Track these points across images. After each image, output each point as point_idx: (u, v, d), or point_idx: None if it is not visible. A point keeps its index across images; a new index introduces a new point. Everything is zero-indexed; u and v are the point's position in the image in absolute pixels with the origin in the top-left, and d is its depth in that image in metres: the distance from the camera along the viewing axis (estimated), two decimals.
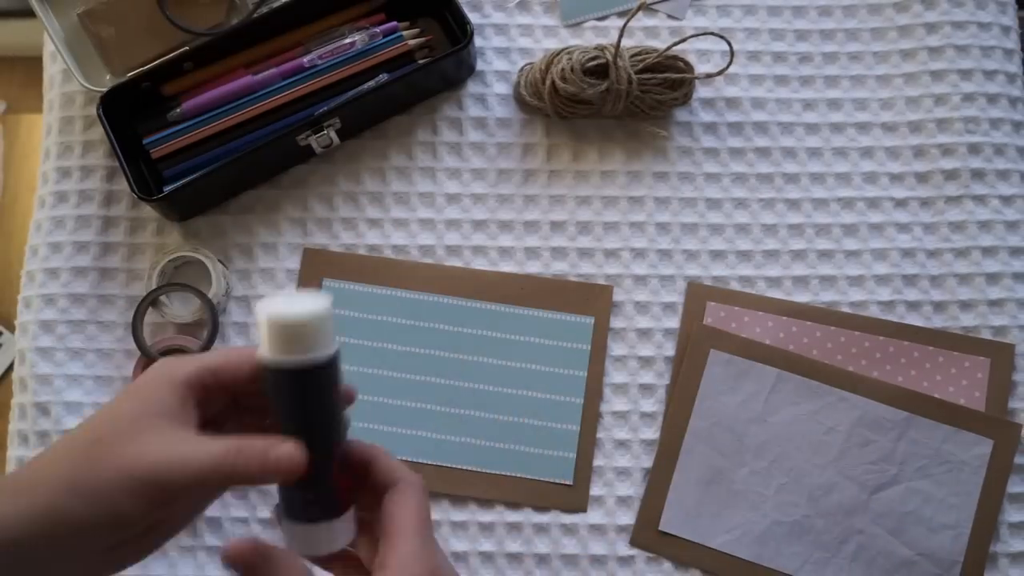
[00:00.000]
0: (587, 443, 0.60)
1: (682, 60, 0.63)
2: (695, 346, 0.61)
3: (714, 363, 0.60)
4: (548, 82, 0.62)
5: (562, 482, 0.60)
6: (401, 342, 0.61)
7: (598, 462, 0.60)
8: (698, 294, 0.62)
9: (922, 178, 0.65)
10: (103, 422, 0.36)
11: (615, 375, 0.61)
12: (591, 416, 0.61)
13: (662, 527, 0.58)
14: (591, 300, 0.62)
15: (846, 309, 0.62)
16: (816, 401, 0.60)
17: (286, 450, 0.35)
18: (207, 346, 0.59)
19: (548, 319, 0.61)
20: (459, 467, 0.60)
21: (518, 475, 0.60)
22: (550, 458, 0.60)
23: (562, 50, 0.63)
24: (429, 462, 0.60)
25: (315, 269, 0.63)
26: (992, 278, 0.63)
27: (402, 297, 0.62)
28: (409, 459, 0.60)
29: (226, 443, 0.35)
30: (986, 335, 0.61)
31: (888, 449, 0.59)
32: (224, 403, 0.38)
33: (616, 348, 0.62)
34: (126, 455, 0.34)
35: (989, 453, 0.58)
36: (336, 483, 0.37)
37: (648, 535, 0.59)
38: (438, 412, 0.60)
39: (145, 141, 0.62)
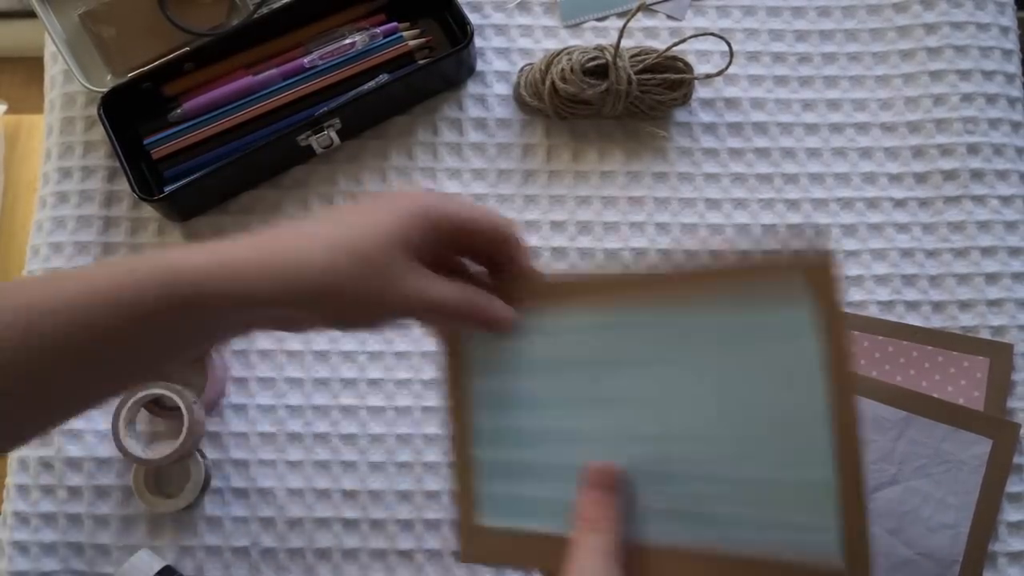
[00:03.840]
0: (852, 498, 0.36)
1: (681, 61, 0.63)
2: None
3: None
4: (548, 82, 0.62)
5: (830, 566, 0.36)
6: (564, 376, 0.43)
7: None
8: None
9: (921, 178, 0.65)
10: (371, 248, 0.40)
11: None
12: (849, 456, 0.36)
13: None
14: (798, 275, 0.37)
15: (845, 309, 0.62)
16: None
17: (502, 308, 0.43)
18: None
19: (738, 304, 0.39)
20: (683, 545, 0.40)
21: (761, 556, 0.38)
22: (798, 526, 0.37)
23: (562, 51, 0.63)
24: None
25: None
26: (991, 278, 0.63)
27: (552, 318, 0.43)
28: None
29: (462, 290, 0.41)
30: (985, 335, 0.62)
31: (887, 448, 0.59)
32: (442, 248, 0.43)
33: None
34: (386, 289, 0.40)
35: (988, 452, 0.59)
36: None
37: None
38: (640, 469, 0.41)
39: (146, 141, 0.63)
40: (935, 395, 0.60)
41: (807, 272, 0.37)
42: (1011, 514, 0.59)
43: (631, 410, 0.42)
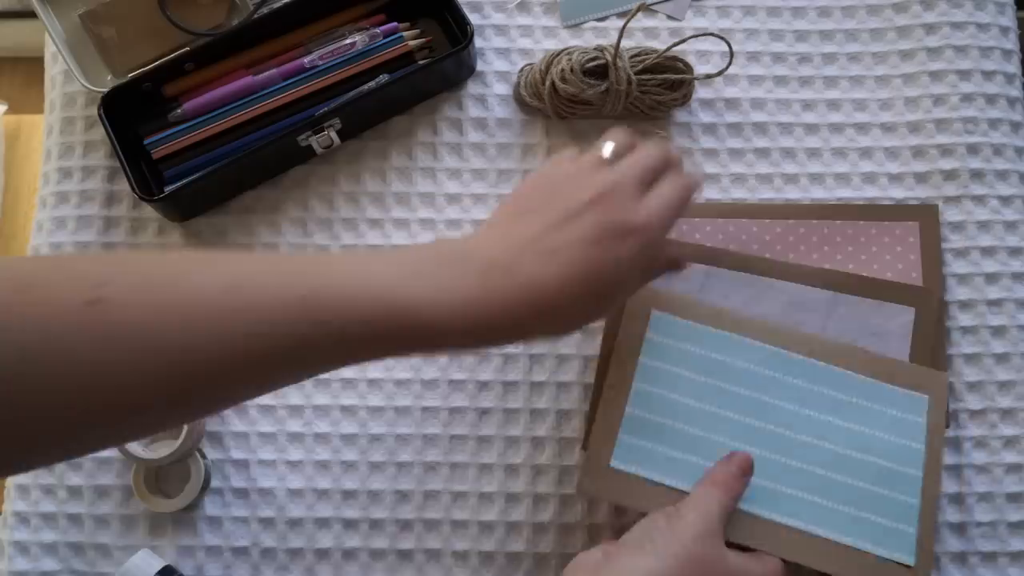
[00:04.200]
0: (928, 520, 0.55)
1: (681, 61, 0.63)
2: None
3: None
4: (548, 83, 0.62)
5: (901, 561, 0.54)
6: (728, 381, 0.58)
7: None
8: None
9: (921, 178, 0.65)
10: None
11: None
12: (931, 493, 0.55)
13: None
14: (924, 379, 0.58)
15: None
16: (746, 291, 0.61)
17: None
18: None
19: (877, 386, 0.58)
20: (783, 522, 0.55)
21: (846, 542, 0.55)
22: (887, 529, 0.55)
23: (562, 51, 0.63)
24: (748, 509, 0.55)
25: (643, 301, 0.59)
26: (991, 277, 0.63)
27: (731, 339, 0.59)
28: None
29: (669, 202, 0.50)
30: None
31: (819, 327, 0.60)
32: None
33: None
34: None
35: (912, 320, 0.60)
36: None
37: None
38: (761, 456, 0.56)
39: (146, 142, 0.63)
40: (875, 266, 0.62)
41: (934, 391, 0.58)
42: (1012, 514, 0.59)
43: (774, 422, 0.57)
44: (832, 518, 0.55)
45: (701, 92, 0.66)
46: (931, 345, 0.60)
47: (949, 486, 0.59)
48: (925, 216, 0.63)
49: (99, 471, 0.60)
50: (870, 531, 0.55)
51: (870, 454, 0.57)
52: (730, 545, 0.51)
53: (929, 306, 0.61)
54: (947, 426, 0.59)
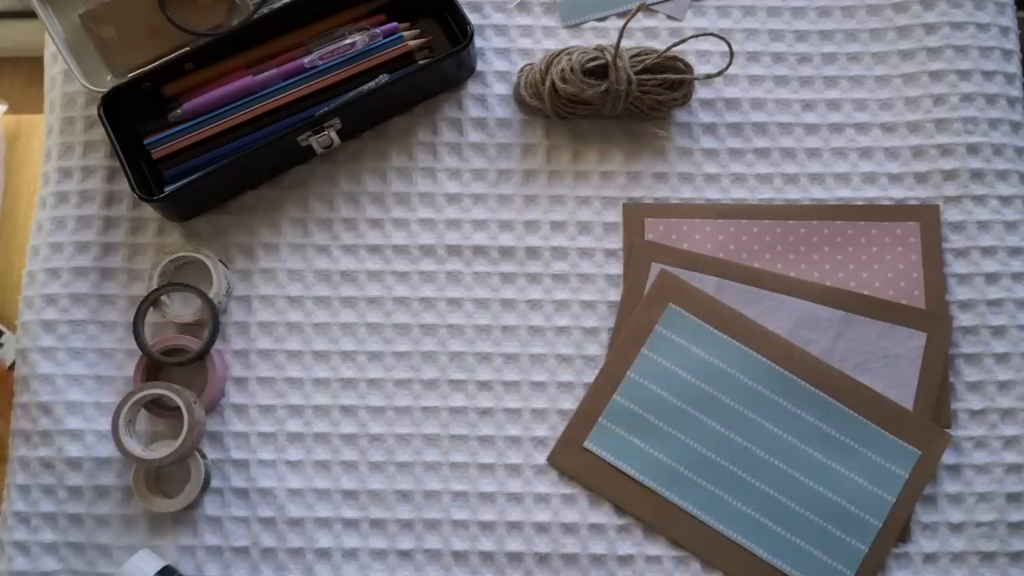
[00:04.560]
0: (870, 567, 0.57)
1: (681, 61, 0.63)
2: (636, 262, 0.62)
3: (655, 276, 0.62)
4: (548, 83, 0.62)
5: None
6: (720, 390, 0.59)
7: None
8: (634, 213, 0.64)
9: (921, 178, 0.65)
10: None
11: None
12: (884, 544, 0.58)
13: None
14: (925, 435, 0.59)
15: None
16: (756, 306, 0.61)
17: None
18: (208, 346, 0.59)
19: (871, 430, 0.59)
20: (727, 534, 0.58)
21: (784, 569, 0.57)
22: (825, 567, 0.57)
23: (562, 51, 0.63)
24: (699, 515, 0.58)
25: (665, 291, 0.61)
26: (991, 278, 0.63)
27: (737, 349, 0.60)
28: (681, 505, 0.58)
29: None
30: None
31: (828, 347, 0.61)
32: None
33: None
34: None
35: (923, 345, 0.61)
36: None
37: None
38: (728, 470, 0.58)
39: (146, 141, 0.63)
40: (865, 273, 0.62)
41: (930, 449, 0.59)
42: (1012, 514, 0.59)
43: (753, 440, 0.59)
44: (776, 543, 0.58)
45: (701, 92, 0.66)
46: (940, 371, 0.60)
47: (949, 486, 0.59)
48: (926, 216, 0.63)
49: (99, 471, 0.60)
50: (808, 565, 0.57)
51: (838, 495, 0.58)
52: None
53: (940, 332, 0.61)
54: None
